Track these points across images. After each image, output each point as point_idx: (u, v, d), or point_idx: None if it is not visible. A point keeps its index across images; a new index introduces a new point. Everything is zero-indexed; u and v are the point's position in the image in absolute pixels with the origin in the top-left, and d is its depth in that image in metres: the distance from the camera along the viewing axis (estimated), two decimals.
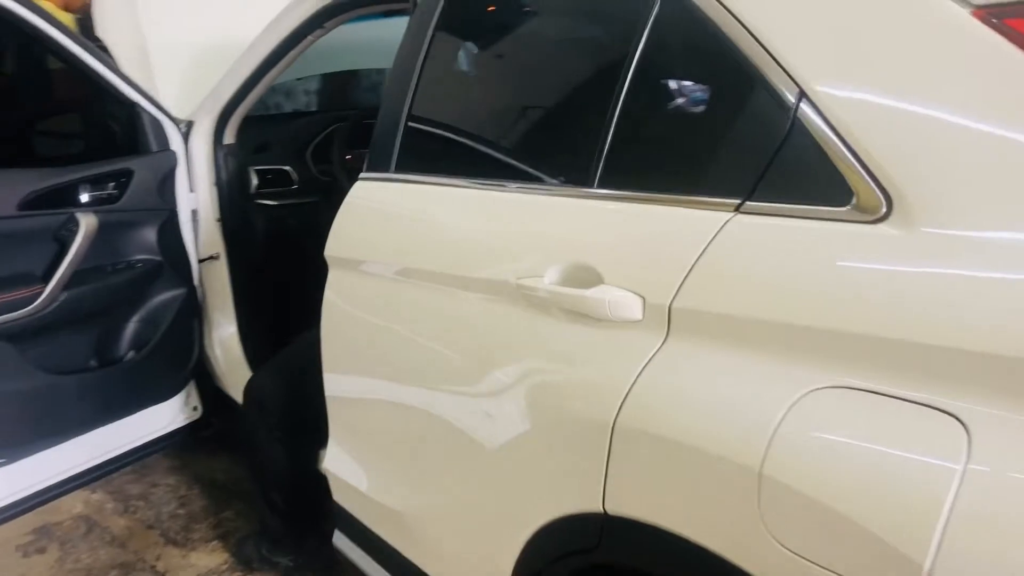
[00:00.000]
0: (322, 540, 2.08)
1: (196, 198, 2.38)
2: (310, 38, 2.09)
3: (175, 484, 2.72)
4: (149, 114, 2.21)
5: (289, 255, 2.54)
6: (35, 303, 1.93)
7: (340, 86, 4.66)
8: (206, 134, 2.38)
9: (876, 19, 0.94)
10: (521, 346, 1.22)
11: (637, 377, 1.02)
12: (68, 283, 1.99)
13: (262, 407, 2.04)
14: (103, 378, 2.14)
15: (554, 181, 1.26)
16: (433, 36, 1.54)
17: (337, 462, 1.75)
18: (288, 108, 3.48)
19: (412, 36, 1.58)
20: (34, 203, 1.94)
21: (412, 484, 1.51)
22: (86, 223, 2.01)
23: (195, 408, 2.53)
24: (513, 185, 1.32)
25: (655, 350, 1.02)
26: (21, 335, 1.93)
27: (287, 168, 2.48)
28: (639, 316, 1.04)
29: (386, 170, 1.59)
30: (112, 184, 2.13)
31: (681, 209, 1.05)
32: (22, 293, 1.91)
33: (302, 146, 2.57)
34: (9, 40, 2.48)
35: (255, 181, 2.41)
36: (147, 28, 2.86)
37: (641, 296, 1.04)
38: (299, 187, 2.49)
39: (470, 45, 1.60)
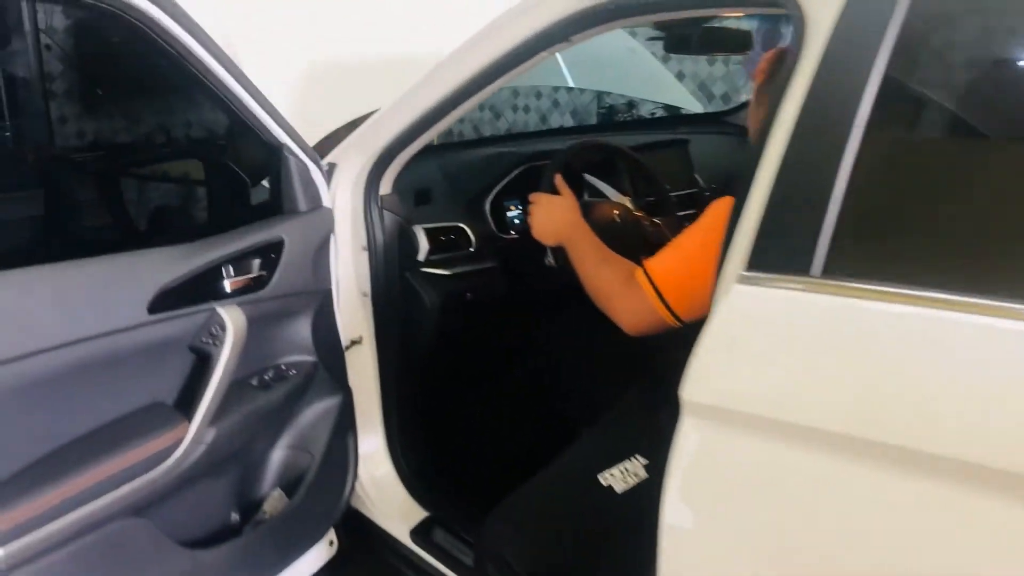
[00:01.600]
0: None
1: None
2: (542, 55, 1.49)
3: None
4: (298, 159, 1.58)
5: (463, 341, 1.92)
6: (176, 453, 1.30)
7: None
8: (356, 182, 1.76)
9: None
10: None
11: None
12: (215, 415, 1.36)
13: (503, 563, 1.42)
14: (252, 538, 1.50)
15: None
16: (901, 41, 0.95)
17: None
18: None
19: (841, 49, 0.99)
20: (167, 299, 1.31)
21: None
22: (233, 322, 1.38)
23: (331, 543, 1.89)
24: None
25: None
26: (156, 499, 1.30)
27: (462, 226, 1.86)
28: None
29: (800, 270, 0.99)
30: (259, 261, 1.50)
31: None
32: (162, 441, 1.27)
33: (480, 194, 1.95)
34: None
35: (425, 245, 1.78)
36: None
37: None
38: (476, 250, 1.87)
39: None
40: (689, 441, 1.09)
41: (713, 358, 1.06)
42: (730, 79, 3.66)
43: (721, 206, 1.27)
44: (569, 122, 4.14)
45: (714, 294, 1.09)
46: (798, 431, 0.99)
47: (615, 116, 3.77)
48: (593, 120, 4.01)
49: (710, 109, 3.59)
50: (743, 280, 1.04)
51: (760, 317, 1.03)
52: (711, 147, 2.51)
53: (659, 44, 3.69)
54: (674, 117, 3.12)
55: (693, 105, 3.50)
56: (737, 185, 1.08)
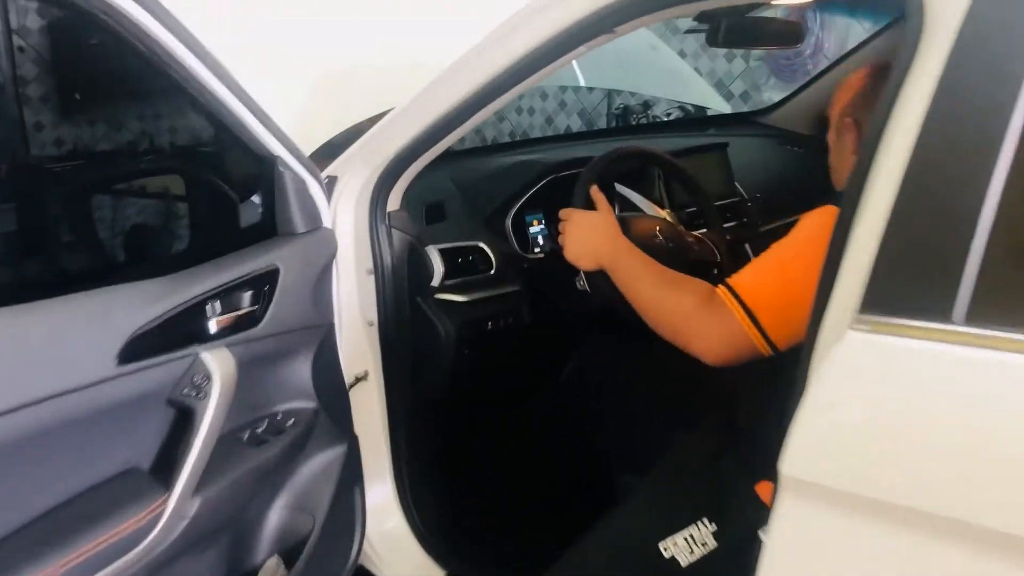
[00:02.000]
0: None
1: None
2: (581, 49, 1.28)
3: None
4: (294, 173, 1.36)
5: (483, 375, 1.71)
6: (153, 532, 1.08)
7: None
8: (359, 197, 1.55)
9: None
10: None
11: None
12: (200, 482, 1.14)
13: None
14: None
15: None
16: None
17: None
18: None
19: (983, 48, 0.79)
20: (141, 345, 1.09)
21: None
22: (220, 369, 1.17)
23: None
24: None
25: None
26: None
27: (480, 245, 1.64)
28: None
29: (937, 316, 0.79)
30: (250, 294, 1.28)
31: None
32: (136, 520, 1.05)
33: (500, 209, 1.73)
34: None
35: (440, 268, 1.57)
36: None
37: None
38: (496, 272, 1.65)
39: None
40: (789, 523, 0.89)
41: (821, 425, 0.85)
42: (750, 76, 3.46)
43: (818, 218, 1.08)
44: (577, 124, 3.93)
45: (814, 339, 0.89)
46: (936, 523, 0.78)
47: (630, 118, 3.55)
48: (602, 122, 3.80)
49: (729, 108, 3.39)
50: (857, 325, 0.83)
51: (883, 374, 0.83)
52: (747, 151, 2.30)
53: (675, 41, 3.52)
54: (702, 119, 2.92)
55: (721, 106, 3.29)
56: (842, 202, 0.89)
